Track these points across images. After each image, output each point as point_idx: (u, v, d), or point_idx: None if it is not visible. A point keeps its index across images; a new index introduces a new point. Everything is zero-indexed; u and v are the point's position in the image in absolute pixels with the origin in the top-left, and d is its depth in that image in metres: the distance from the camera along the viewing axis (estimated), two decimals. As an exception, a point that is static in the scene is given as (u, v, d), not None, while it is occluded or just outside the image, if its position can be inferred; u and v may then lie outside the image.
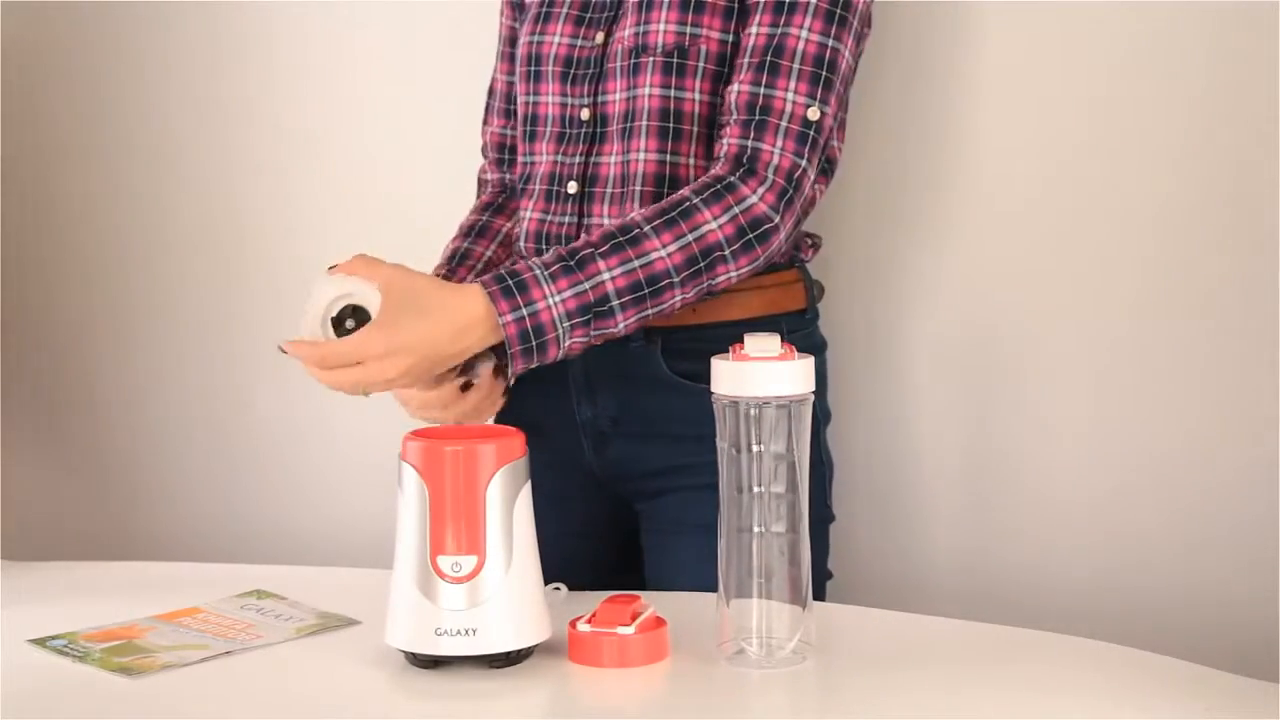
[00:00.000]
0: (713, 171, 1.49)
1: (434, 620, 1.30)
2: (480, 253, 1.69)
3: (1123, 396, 1.74)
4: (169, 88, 2.20)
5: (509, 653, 1.31)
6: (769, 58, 1.49)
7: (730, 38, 1.54)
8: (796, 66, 1.49)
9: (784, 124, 1.48)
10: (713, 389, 1.31)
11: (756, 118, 1.48)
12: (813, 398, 1.31)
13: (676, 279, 1.44)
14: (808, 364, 1.30)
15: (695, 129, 1.55)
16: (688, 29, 1.53)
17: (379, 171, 2.10)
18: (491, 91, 1.76)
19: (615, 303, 1.42)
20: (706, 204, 1.45)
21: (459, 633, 1.29)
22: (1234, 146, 1.66)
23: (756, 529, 1.31)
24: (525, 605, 1.32)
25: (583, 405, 1.63)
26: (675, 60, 1.54)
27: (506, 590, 1.30)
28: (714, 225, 1.44)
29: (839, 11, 1.50)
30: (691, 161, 1.55)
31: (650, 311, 1.45)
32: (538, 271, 1.41)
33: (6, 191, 2.26)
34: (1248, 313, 1.67)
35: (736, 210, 1.45)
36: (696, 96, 1.54)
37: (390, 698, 1.31)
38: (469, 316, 1.39)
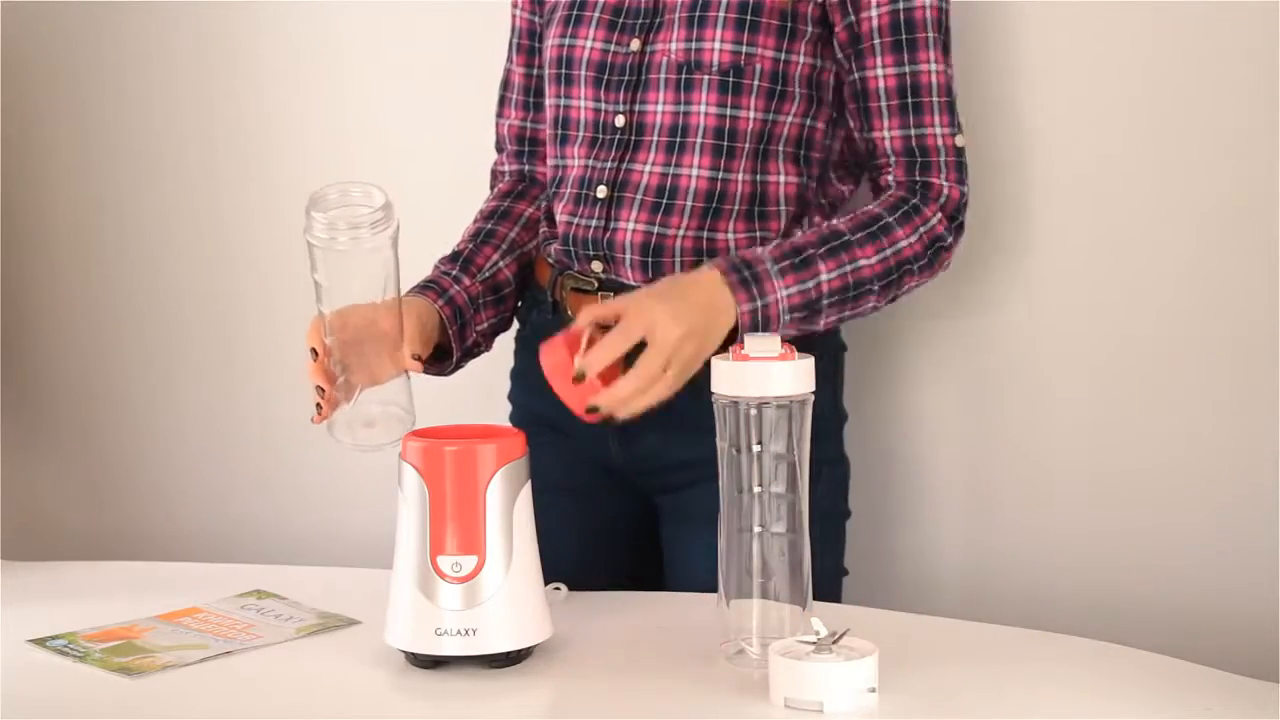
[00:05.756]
0: (895, 193, 1.56)
1: (434, 620, 1.30)
2: (504, 233, 1.69)
3: (1124, 398, 1.74)
4: (169, 88, 2.20)
5: (509, 653, 1.31)
6: (909, 99, 1.55)
7: (783, 55, 1.56)
8: (935, 100, 1.56)
9: (942, 160, 1.56)
10: (713, 389, 1.31)
11: (918, 160, 1.56)
12: (813, 398, 1.31)
13: (875, 287, 1.52)
14: (808, 364, 1.30)
15: (748, 145, 1.57)
16: (743, 48, 1.55)
17: (376, 174, 2.09)
18: (508, 84, 1.75)
19: (825, 303, 1.50)
20: (899, 223, 1.53)
21: (459, 633, 1.29)
22: (1234, 148, 1.66)
23: (756, 529, 1.31)
24: (525, 605, 1.32)
25: None
26: (731, 79, 1.55)
27: (506, 590, 1.30)
28: (906, 243, 1.53)
29: (944, 37, 1.56)
30: (741, 177, 1.57)
31: (847, 314, 1.53)
32: (769, 265, 1.47)
33: (6, 192, 2.26)
34: (1248, 313, 1.67)
35: (922, 230, 1.54)
36: (751, 114, 1.56)
37: (390, 698, 1.31)
38: (713, 286, 1.45)
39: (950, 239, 1.56)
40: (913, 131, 1.55)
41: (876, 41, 1.55)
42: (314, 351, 1.43)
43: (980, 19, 1.76)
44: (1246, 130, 1.65)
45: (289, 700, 1.31)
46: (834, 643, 1.22)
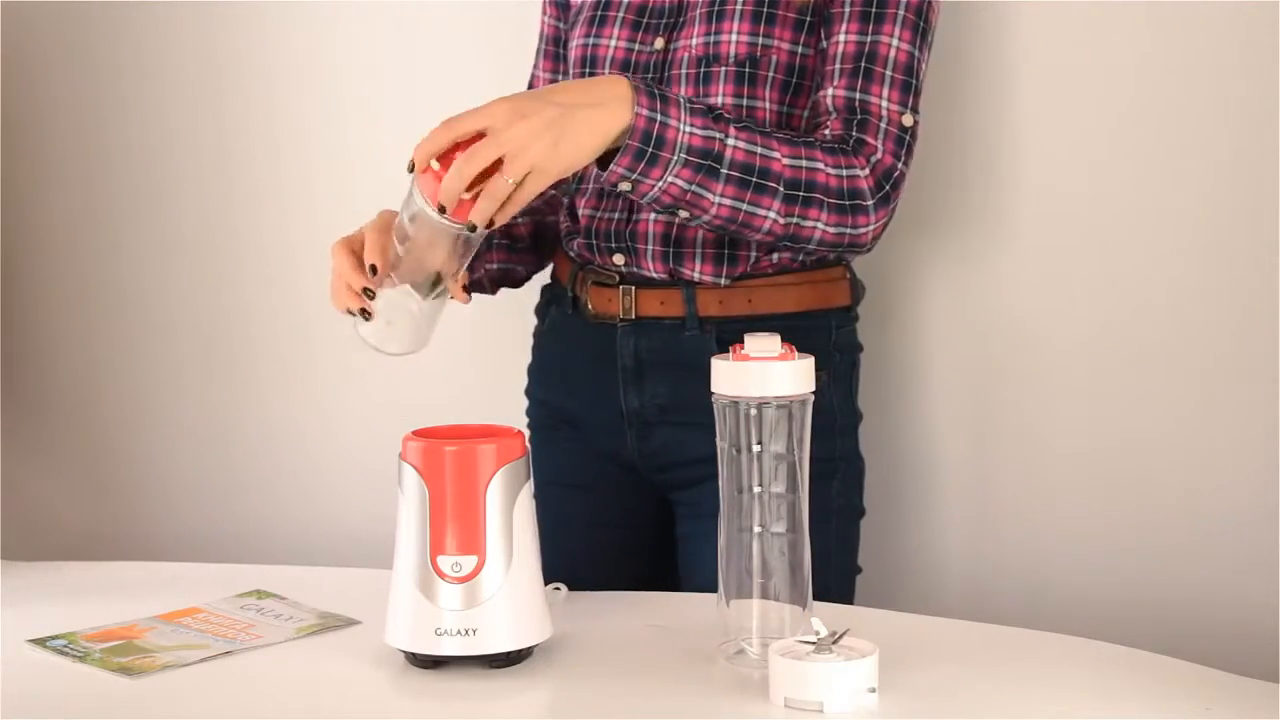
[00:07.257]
0: (827, 137, 1.50)
1: (434, 620, 1.30)
2: (528, 222, 1.69)
3: (1131, 401, 1.74)
4: (169, 88, 2.20)
5: (509, 653, 1.31)
6: (862, 64, 1.51)
7: (800, 49, 1.56)
8: (889, 74, 1.51)
9: (883, 125, 1.50)
10: (713, 389, 1.31)
11: (857, 117, 1.51)
12: (813, 398, 1.31)
13: (780, 189, 1.44)
14: (808, 364, 1.30)
15: None
16: (760, 39, 1.55)
17: (378, 174, 2.09)
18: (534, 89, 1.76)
19: (725, 170, 1.42)
20: (826, 151, 1.47)
21: (459, 633, 1.29)
22: (1234, 149, 1.66)
23: (756, 529, 1.31)
24: (525, 605, 1.32)
25: (630, 394, 1.64)
26: (747, 70, 1.55)
27: (506, 590, 1.30)
28: (824, 169, 1.46)
29: (921, 23, 1.54)
30: None
31: (744, 207, 1.44)
32: (681, 99, 1.41)
33: (6, 192, 2.26)
34: (1249, 314, 1.67)
35: (844, 172, 1.47)
36: (767, 105, 1.56)
37: (390, 698, 1.31)
38: (609, 82, 1.38)
39: (871, 204, 1.48)
40: (858, 94, 1.51)
41: (846, 9, 1.53)
42: (373, 268, 1.41)
43: (977, 17, 1.76)
44: (1248, 125, 1.65)
45: (289, 700, 1.31)
46: (834, 643, 1.22)
